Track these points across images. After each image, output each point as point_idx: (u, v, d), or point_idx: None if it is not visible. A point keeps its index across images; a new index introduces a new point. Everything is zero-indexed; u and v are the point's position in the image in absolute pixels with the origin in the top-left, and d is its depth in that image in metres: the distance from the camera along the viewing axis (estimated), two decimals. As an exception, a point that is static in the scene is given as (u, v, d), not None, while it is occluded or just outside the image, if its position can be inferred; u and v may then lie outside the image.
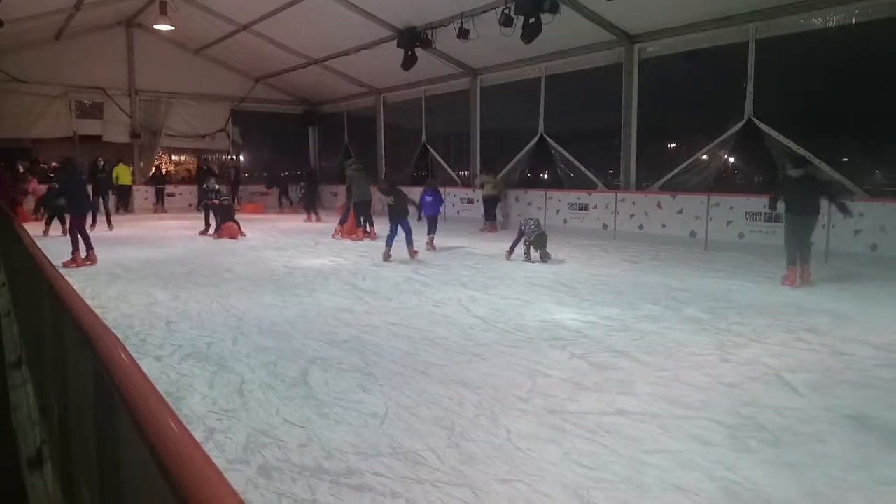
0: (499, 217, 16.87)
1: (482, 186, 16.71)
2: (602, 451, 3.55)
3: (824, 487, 3.17)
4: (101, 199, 16.61)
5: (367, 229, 14.45)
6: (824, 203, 8.68)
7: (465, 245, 13.26)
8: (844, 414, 4.11)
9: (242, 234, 14.56)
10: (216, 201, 14.97)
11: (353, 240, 14.07)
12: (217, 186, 15.57)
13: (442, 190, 19.48)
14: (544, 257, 10.77)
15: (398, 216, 11.11)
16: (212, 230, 14.95)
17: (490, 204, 16.48)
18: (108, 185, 17.98)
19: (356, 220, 14.40)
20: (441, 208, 13.72)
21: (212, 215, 15.09)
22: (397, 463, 3.40)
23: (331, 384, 4.66)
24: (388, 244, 11.06)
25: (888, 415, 4.11)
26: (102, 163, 17.98)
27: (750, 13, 11.95)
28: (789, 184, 8.61)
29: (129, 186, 21.84)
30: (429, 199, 13.02)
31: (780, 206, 8.77)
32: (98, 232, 14.25)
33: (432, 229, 12.85)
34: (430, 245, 12.51)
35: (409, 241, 11.16)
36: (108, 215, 16.55)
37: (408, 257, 11.06)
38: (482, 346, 5.70)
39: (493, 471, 3.33)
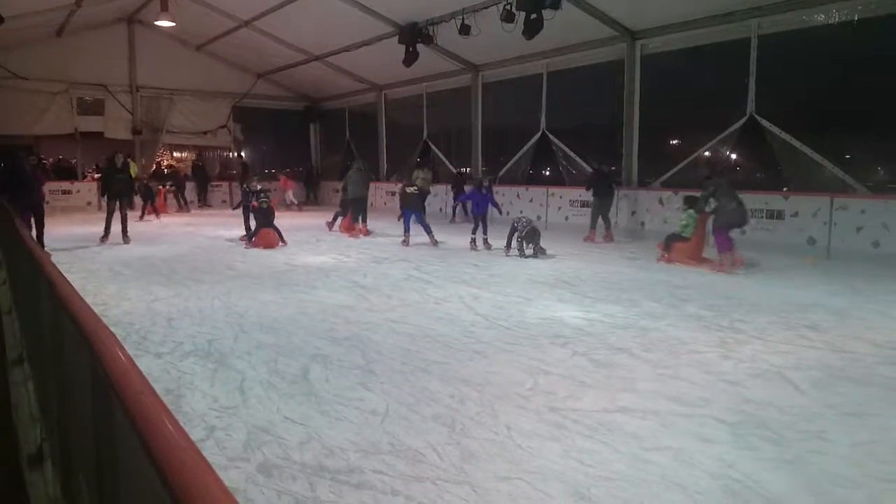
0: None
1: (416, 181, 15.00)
2: (603, 449, 3.54)
3: (826, 485, 3.16)
4: (117, 202, 12.59)
5: (361, 226, 14.60)
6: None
7: (465, 243, 13.22)
8: (846, 411, 4.10)
9: (283, 242, 12.52)
10: (254, 203, 12.78)
11: (351, 236, 14.20)
12: (259, 187, 13.31)
13: (444, 188, 19.62)
14: (538, 252, 10.89)
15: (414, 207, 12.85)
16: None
17: (419, 199, 14.07)
18: (129, 188, 13.39)
19: (353, 217, 14.56)
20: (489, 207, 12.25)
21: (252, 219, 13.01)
22: (398, 461, 3.40)
23: (331, 381, 4.65)
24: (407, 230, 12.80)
25: (890, 412, 4.10)
26: (122, 159, 12.76)
27: (752, 9, 11.91)
28: (597, 177, 13.18)
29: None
30: (477, 197, 12.14)
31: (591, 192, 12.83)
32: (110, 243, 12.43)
33: (484, 229, 12.09)
34: (485, 244, 12.03)
35: (427, 229, 12.68)
36: (124, 223, 12.64)
37: (407, 252, 11.10)
38: (483, 344, 5.69)
39: (493, 468, 3.32)
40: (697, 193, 10.10)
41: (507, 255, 11.05)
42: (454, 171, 19.83)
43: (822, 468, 3.33)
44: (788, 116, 11.81)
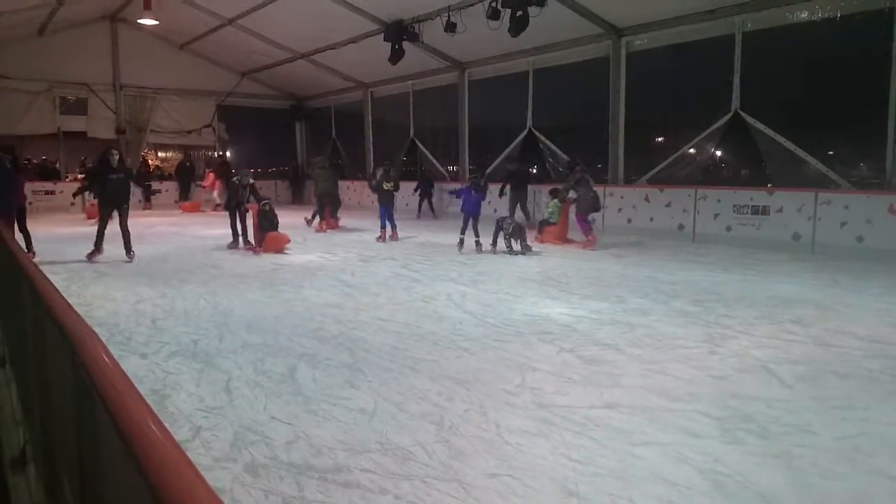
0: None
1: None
2: (591, 445, 3.55)
3: (812, 478, 3.18)
4: (114, 211, 10.28)
5: (332, 219, 15.42)
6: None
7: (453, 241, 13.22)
8: (832, 405, 4.13)
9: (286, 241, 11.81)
10: (249, 204, 11.78)
11: (318, 231, 14.79)
12: (252, 181, 12.04)
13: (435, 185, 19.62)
14: (525, 249, 10.93)
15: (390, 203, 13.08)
16: (241, 243, 11.83)
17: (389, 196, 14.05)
18: (127, 191, 10.67)
19: (320, 212, 15.18)
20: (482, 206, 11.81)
21: (246, 222, 11.94)
22: (386, 459, 3.38)
23: (319, 380, 4.63)
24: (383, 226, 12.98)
25: (875, 405, 4.14)
26: (118, 157, 10.46)
27: (736, 6, 11.98)
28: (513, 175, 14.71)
29: None
30: (471, 195, 11.52)
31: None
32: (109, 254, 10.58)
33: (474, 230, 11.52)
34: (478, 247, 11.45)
35: (392, 226, 13.09)
36: (126, 237, 10.32)
37: (394, 251, 11.07)
38: (471, 341, 5.68)
39: (482, 465, 3.31)
40: (561, 186, 12.38)
41: (495, 253, 11.03)
42: (422, 168, 20.42)
43: (808, 461, 3.35)
44: (773, 113, 11.89)
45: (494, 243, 11.23)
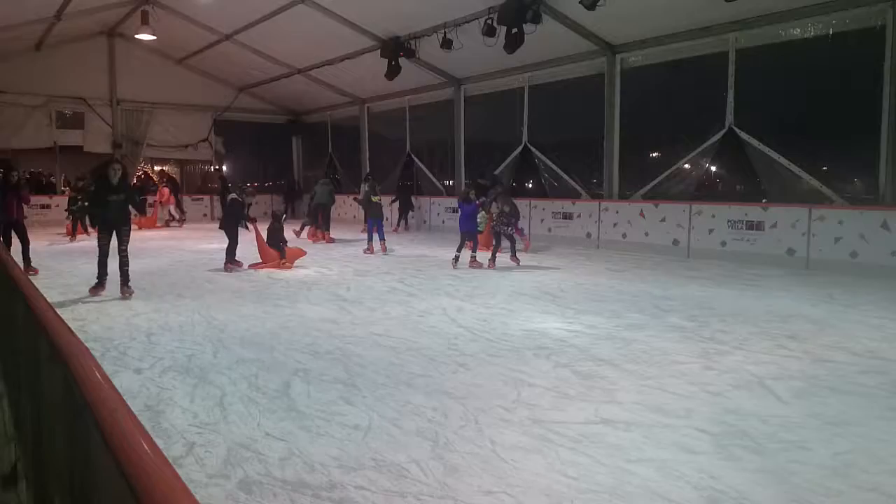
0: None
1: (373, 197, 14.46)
2: (586, 461, 3.53)
3: (808, 495, 3.17)
4: (109, 236, 8.47)
5: (323, 233, 16.14)
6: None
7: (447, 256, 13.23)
8: (827, 421, 4.13)
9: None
10: (251, 221, 11.32)
11: (314, 241, 15.46)
12: (253, 200, 11.52)
13: (427, 200, 19.72)
14: (513, 230, 11.42)
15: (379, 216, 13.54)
16: (246, 264, 11.14)
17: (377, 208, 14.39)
18: (127, 214, 8.74)
19: (312, 222, 16.18)
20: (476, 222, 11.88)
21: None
22: (380, 476, 3.36)
23: (313, 396, 4.61)
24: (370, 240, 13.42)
25: (870, 422, 4.13)
26: (119, 171, 8.47)
27: (730, 23, 12.09)
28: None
29: None
30: (464, 210, 11.55)
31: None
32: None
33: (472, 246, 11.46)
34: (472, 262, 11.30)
35: (381, 237, 13.44)
36: (124, 269, 8.58)
37: (390, 265, 11.05)
38: (467, 356, 5.67)
39: (477, 483, 3.29)
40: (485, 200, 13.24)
41: (493, 268, 10.99)
42: (399, 182, 20.87)
43: (804, 478, 3.34)
44: (767, 129, 11.99)
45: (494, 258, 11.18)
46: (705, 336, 6.37)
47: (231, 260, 11.02)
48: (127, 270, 8.58)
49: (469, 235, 11.44)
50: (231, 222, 11.16)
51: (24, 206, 10.75)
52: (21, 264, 9.27)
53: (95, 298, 8.38)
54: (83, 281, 9.74)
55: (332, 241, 15.73)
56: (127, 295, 8.41)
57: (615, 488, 3.22)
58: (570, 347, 5.96)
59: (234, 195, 11.51)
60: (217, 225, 12.72)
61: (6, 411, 4.25)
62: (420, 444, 3.76)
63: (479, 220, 13.28)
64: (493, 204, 12.29)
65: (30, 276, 9.42)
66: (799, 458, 3.57)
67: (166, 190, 21.41)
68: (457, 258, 11.38)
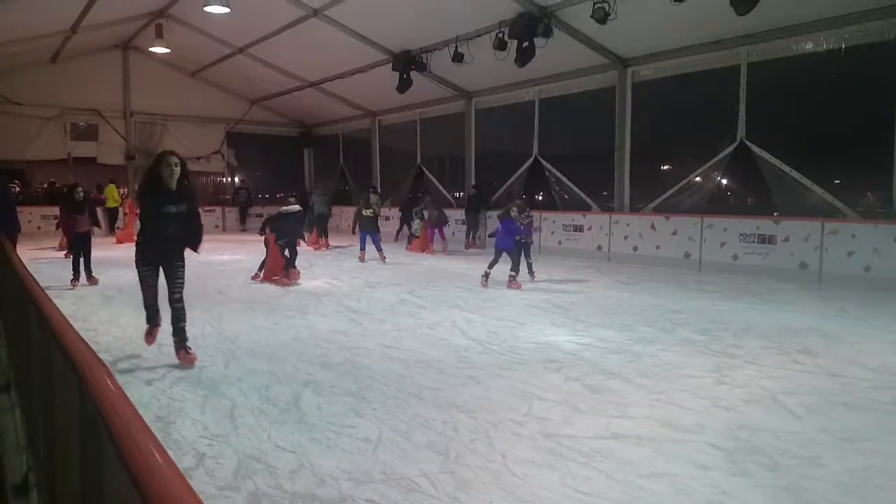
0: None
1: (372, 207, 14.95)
2: (598, 476, 3.50)
3: (822, 512, 3.13)
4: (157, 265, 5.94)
5: (323, 240, 17.45)
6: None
7: (458, 268, 13.22)
8: (841, 437, 4.08)
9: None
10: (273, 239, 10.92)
11: (316, 249, 16.43)
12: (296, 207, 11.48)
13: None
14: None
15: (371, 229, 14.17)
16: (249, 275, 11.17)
17: (375, 221, 14.67)
18: (181, 235, 5.85)
19: (319, 233, 17.28)
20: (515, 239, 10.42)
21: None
22: (390, 490, 3.35)
23: (323, 408, 4.60)
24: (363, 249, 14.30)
25: (884, 438, 4.08)
26: (176, 169, 5.54)
27: (741, 37, 12.09)
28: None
29: (116, 209, 20.62)
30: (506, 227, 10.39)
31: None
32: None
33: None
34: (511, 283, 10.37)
35: (379, 247, 13.92)
36: (178, 324, 5.94)
37: (400, 276, 11.04)
38: (477, 369, 5.65)
39: (488, 497, 3.27)
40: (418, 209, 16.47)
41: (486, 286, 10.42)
42: (409, 194, 21.02)
43: (817, 494, 3.30)
44: (778, 142, 11.94)
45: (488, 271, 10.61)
46: (717, 350, 6.32)
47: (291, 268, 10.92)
48: (184, 328, 5.88)
49: (509, 254, 10.25)
50: (293, 233, 11.06)
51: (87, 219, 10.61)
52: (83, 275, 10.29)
53: (107, 309, 8.41)
54: (95, 292, 9.81)
55: (329, 247, 17.30)
56: (188, 362, 5.73)
57: (627, 504, 3.20)
58: (581, 361, 5.93)
59: (296, 206, 11.64)
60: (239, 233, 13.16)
61: (19, 421, 4.28)
62: (430, 458, 3.74)
63: (416, 226, 16.51)
64: (426, 212, 15.57)
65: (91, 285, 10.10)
66: (812, 475, 3.53)
67: (130, 201, 19.53)
68: (487, 275, 10.48)
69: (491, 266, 10.44)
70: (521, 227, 10.53)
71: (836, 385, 5.19)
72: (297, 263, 11.18)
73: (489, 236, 12.47)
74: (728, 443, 3.97)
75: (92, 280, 10.46)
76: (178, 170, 5.55)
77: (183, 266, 5.97)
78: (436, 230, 16.69)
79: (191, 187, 5.82)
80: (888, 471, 3.59)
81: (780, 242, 11.38)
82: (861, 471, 3.59)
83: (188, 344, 5.93)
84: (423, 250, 15.97)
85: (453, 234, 19.58)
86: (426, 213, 15.75)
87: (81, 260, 10.32)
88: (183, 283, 5.94)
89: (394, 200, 21.13)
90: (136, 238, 5.92)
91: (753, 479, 3.49)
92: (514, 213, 10.41)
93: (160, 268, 5.84)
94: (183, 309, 5.91)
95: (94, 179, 22.81)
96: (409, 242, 16.89)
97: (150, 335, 6.12)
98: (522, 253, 10.66)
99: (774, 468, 3.62)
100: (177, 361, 5.82)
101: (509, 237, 10.22)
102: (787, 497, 3.28)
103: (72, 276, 10.20)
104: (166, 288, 5.82)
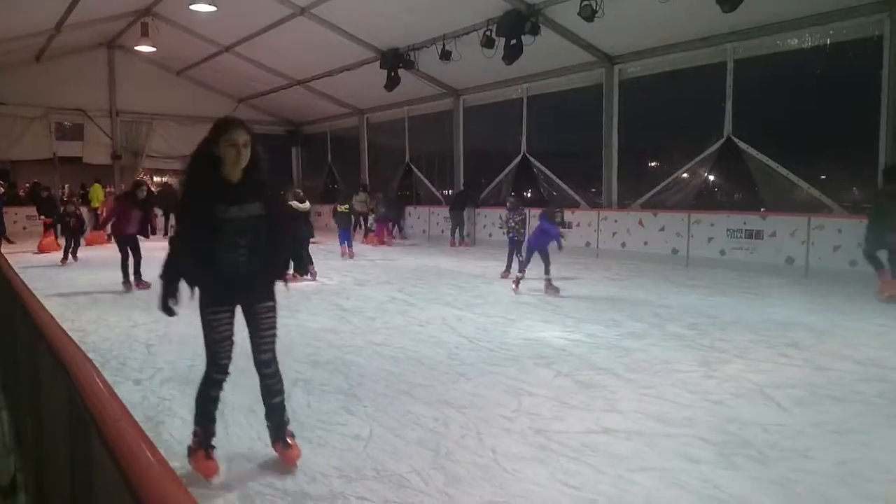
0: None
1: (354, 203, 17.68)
2: (588, 471, 3.52)
3: (811, 504, 3.16)
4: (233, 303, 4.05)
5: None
6: None
7: (449, 265, 13.22)
8: (829, 429, 4.12)
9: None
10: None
11: None
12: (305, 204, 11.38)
13: (426, 210, 19.81)
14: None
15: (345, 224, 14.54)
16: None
17: (348, 217, 15.25)
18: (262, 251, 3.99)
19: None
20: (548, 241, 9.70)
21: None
22: (381, 486, 3.35)
23: (314, 406, 4.60)
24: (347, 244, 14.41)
25: (872, 430, 4.12)
26: (246, 147, 3.61)
27: (727, 34, 12.15)
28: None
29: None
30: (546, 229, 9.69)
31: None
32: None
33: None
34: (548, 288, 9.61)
35: (349, 244, 14.47)
36: (275, 418, 3.74)
37: (389, 274, 11.03)
38: (467, 366, 5.66)
39: (478, 493, 3.28)
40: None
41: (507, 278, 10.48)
42: (397, 192, 21.55)
43: (807, 487, 3.33)
44: (765, 138, 12.02)
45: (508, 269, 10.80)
46: (705, 345, 6.36)
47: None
48: (282, 404, 3.82)
49: (541, 254, 9.59)
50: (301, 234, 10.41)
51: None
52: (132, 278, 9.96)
53: (95, 309, 8.36)
54: (82, 292, 9.74)
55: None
56: (289, 461, 3.60)
57: (617, 498, 3.21)
58: (571, 356, 5.95)
59: (306, 204, 11.56)
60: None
61: (6, 423, 4.24)
62: (421, 454, 3.75)
63: (371, 221, 18.81)
64: (378, 208, 17.92)
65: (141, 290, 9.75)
66: (801, 467, 3.56)
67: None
68: (518, 281, 9.69)
69: (522, 269, 9.76)
70: (514, 226, 10.65)
71: (824, 378, 5.24)
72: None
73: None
74: (717, 436, 4.00)
75: (142, 285, 9.99)
76: (247, 152, 3.59)
77: (275, 306, 4.04)
78: (389, 224, 18.93)
79: (260, 177, 3.86)
80: (877, 463, 3.63)
81: (767, 237, 11.46)
82: (849, 463, 3.62)
83: (290, 427, 3.73)
84: (378, 243, 17.62)
85: (422, 231, 20.11)
86: (380, 209, 18.20)
87: (130, 262, 9.93)
88: (275, 332, 4.01)
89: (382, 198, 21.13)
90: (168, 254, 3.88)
91: (743, 471, 3.51)
92: (559, 217, 9.87)
93: (235, 311, 3.90)
94: (277, 374, 3.89)
95: (79, 179, 22.73)
96: (366, 236, 18.63)
97: (207, 463, 3.49)
98: (514, 251, 10.69)
99: (764, 461, 3.65)
100: (165, 363, 5.78)
101: (544, 236, 9.55)
102: (777, 490, 3.31)
103: (122, 279, 9.93)
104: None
